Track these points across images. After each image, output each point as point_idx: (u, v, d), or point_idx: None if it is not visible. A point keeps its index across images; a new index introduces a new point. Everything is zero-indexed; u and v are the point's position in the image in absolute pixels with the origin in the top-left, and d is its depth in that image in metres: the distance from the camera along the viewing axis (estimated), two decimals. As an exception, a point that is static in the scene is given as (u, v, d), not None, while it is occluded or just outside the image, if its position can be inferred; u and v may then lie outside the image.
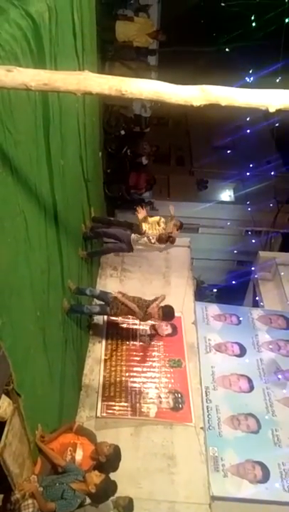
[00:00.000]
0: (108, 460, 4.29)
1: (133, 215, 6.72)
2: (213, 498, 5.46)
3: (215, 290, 13.84)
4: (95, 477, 3.89)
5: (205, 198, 14.19)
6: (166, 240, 6.42)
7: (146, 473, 5.53)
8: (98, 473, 4.00)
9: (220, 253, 14.05)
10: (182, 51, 10.47)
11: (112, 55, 8.48)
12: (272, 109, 2.09)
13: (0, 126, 2.73)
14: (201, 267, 11.82)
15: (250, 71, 9.60)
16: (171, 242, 6.59)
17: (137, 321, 6.89)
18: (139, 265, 8.11)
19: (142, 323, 6.75)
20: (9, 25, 2.88)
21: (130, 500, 4.67)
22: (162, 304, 5.63)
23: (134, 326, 7.00)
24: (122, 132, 9.50)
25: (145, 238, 6.41)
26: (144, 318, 5.75)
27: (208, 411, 6.32)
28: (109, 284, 7.66)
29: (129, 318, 6.66)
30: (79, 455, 4.40)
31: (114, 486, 4.31)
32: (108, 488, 4.12)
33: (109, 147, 9.36)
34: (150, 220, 6.47)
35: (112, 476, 4.41)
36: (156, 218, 6.53)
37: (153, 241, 6.39)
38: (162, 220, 6.50)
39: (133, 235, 6.37)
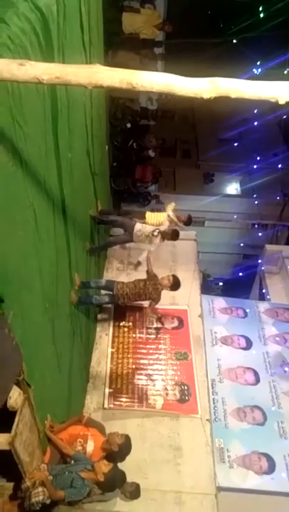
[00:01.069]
0: (120, 450, 4.37)
1: (139, 208, 6.74)
2: (219, 489, 5.52)
3: (221, 283, 13.84)
4: (104, 466, 3.96)
5: (211, 192, 14.14)
6: (169, 234, 6.32)
7: (153, 464, 5.59)
8: (107, 462, 4.07)
9: (226, 247, 14.03)
10: (189, 43, 10.39)
11: (119, 47, 8.45)
12: (282, 102, 2.09)
13: (10, 119, 2.75)
14: (207, 261, 11.83)
15: (258, 63, 9.52)
16: (172, 236, 6.39)
17: (143, 314, 6.99)
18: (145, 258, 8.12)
19: (150, 314, 6.76)
20: (18, 18, 2.89)
21: (137, 487, 4.75)
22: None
23: (141, 319, 7.05)
24: (128, 125, 9.50)
25: (148, 228, 6.31)
26: (153, 293, 5.81)
27: (214, 403, 6.36)
28: (116, 277, 7.68)
29: (137, 305, 6.69)
30: (90, 446, 4.49)
31: (122, 475, 4.39)
32: (116, 477, 4.20)
33: (115, 140, 9.36)
34: (158, 214, 6.51)
35: (120, 466, 4.49)
36: (164, 214, 6.57)
37: (156, 233, 6.24)
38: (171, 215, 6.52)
39: (138, 225, 6.34)
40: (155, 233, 6.25)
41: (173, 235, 6.36)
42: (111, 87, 2.09)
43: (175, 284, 5.92)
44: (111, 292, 5.97)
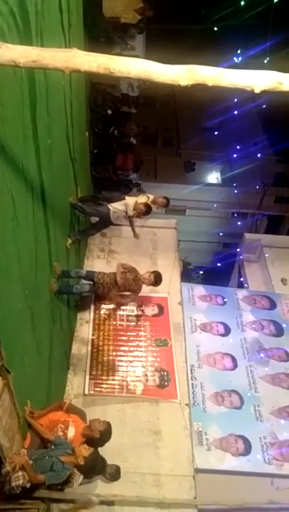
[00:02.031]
0: (101, 436, 4.44)
1: (120, 195, 6.74)
2: (197, 471, 5.67)
3: (201, 272, 14.01)
4: (84, 450, 4.02)
5: (192, 180, 14.21)
6: (143, 210, 6.35)
7: (133, 447, 5.68)
8: (87, 446, 4.13)
9: (206, 235, 14.18)
10: (170, 29, 10.29)
11: (99, 32, 8.32)
12: (257, 90, 2.12)
13: (-14, 102, 2.70)
14: (187, 249, 11.93)
15: (238, 51, 9.53)
16: (144, 211, 6.41)
17: (123, 302, 7.04)
18: (126, 246, 8.14)
19: (130, 302, 6.84)
20: (-6, -2, 2.82)
21: (117, 469, 4.85)
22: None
23: (122, 307, 7.10)
24: (109, 112, 9.38)
25: (123, 207, 6.37)
26: (134, 284, 5.93)
27: (193, 388, 6.49)
28: (96, 265, 7.70)
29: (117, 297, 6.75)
30: (71, 432, 4.54)
31: (102, 461, 4.47)
32: (96, 461, 4.27)
33: (95, 127, 9.24)
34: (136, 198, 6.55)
35: (101, 450, 4.56)
36: (144, 198, 6.57)
37: (130, 211, 6.32)
38: (149, 198, 6.55)
39: (111, 207, 6.38)
40: (129, 213, 6.38)
41: (146, 210, 6.37)
42: (89, 72, 2.08)
43: (156, 281, 6.03)
44: (91, 282, 6.00)
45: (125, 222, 6.84)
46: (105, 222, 6.59)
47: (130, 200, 6.44)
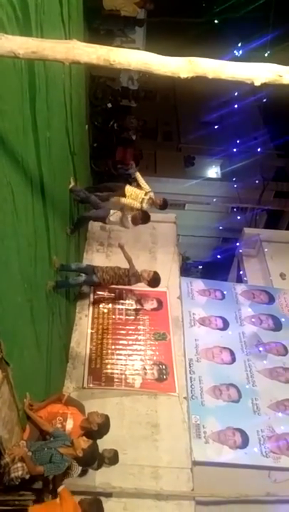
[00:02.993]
0: (99, 428, 4.47)
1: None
2: (195, 463, 5.72)
3: (200, 266, 14.02)
4: (83, 442, 4.04)
5: (192, 175, 14.18)
6: (139, 219, 6.15)
7: (132, 440, 5.74)
8: (86, 438, 4.16)
9: (206, 230, 14.17)
10: (171, 22, 10.22)
11: (99, 24, 8.26)
12: (257, 83, 2.12)
13: (-15, 94, 2.69)
14: (186, 244, 11.95)
15: (239, 44, 9.47)
16: (143, 220, 6.16)
17: (122, 296, 7.07)
18: (126, 240, 8.13)
19: (128, 297, 6.89)
20: (-6, -11, 2.80)
21: (115, 453, 4.89)
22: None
23: (120, 300, 7.12)
24: (109, 105, 9.34)
25: (118, 216, 6.19)
26: (132, 281, 5.92)
27: (191, 381, 6.53)
28: (96, 258, 7.71)
29: (116, 289, 6.76)
30: (69, 424, 4.56)
31: (100, 455, 4.50)
32: (95, 454, 4.30)
33: (95, 120, 9.20)
34: (136, 190, 6.41)
35: (99, 443, 4.59)
36: (142, 193, 6.46)
37: (128, 217, 6.14)
38: (149, 195, 6.44)
39: (111, 211, 6.21)
40: (124, 220, 6.20)
41: (143, 219, 6.18)
42: (88, 63, 2.07)
43: (154, 281, 6.02)
44: (93, 274, 6.04)
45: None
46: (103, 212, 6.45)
47: (127, 223, 6.19)
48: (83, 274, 6.10)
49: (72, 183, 6.25)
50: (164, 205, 6.46)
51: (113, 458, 4.89)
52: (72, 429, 4.54)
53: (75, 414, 4.69)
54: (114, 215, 6.22)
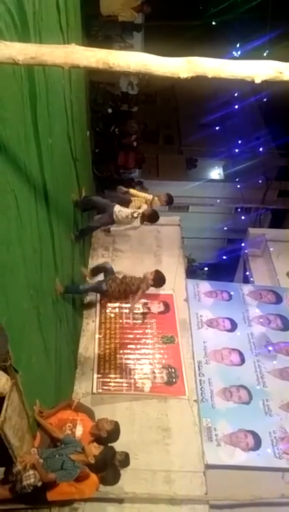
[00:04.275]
0: (109, 435, 4.44)
1: (122, 195, 6.68)
2: (207, 467, 5.67)
3: (206, 268, 13.98)
4: (94, 448, 4.03)
5: (194, 177, 14.18)
6: (148, 216, 6.10)
7: (143, 445, 5.70)
8: (97, 444, 4.14)
9: (210, 231, 14.14)
10: (168, 25, 10.26)
11: (97, 31, 8.30)
12: (258, 80, 2.10)
13: (-13, 103, 2.70)
14: (191, 246, 11.92)
15: (238, 45, 9.48)
16: (150, 218, 6.13)
17: (129, 300, 7.02)
18: (130, 244, 8.14)
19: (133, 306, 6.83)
20: (-8, -2, 2.82)
21: (126, 455, 4.85)
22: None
23: (127, 305, 7.09)
24: (110, 110, 9.38)
25: (127, 210, 6.14)
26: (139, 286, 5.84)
27: (201, 384, 6.48)
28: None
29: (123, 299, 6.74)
30: (79, 431, 4.55)
31: (112, 451, 4.46)
32: (107, 458, 4.27)
33: (96, 126, 9.24)
34: (142, 195, 6.46)
35: (110, 448, 4.56)
36: (149, 197, 6.50)
37: (135, 214, 6.04)
38: (154, 199, 6.47)
39: (117, 206, 6.16)
40: (135, 214, 6.09)
41: (151, 217, 6.13)
42: (88, 67, 2.07)
43: (159, 280, 5.92)
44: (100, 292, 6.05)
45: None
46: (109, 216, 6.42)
47: (135, 221, 6.10)
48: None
49: (75, 198, 6.31)
50: (169, 200, 6.48)
51: (124, 460, 4.85)
52: (81, 436, 4.53)
53: (85, 421, 4.68)
54: (124, 211, 6.11)
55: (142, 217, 6.08)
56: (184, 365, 6.58)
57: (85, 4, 7.10)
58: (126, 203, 6.33)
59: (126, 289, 5.89)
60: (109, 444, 4.49)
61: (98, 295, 7.03)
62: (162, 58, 2.07)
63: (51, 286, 4.96)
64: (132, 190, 6.60)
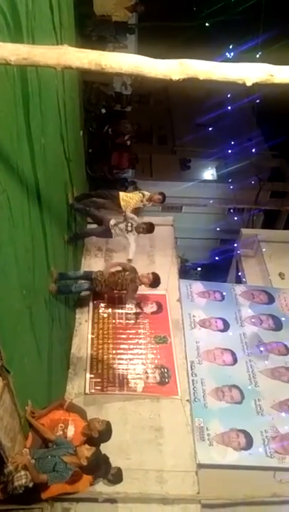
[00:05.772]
0: (100, 435, 4.44)
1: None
2: (200, 466, 5.69)
3: (199, 268, 14.00)
4: (86, 450, 4.02)
5: (188, 177, 14.20)
6: (144, 229, 6.27)
7: (135, 444, 5.70)
8: (88, 446, 4.13)
9: (203, 232, 14.16)
10: (162, 26, 10.28)
11: (91, 31, 8.29)
12: (249, 83, 2.12)
13: (-21, 102, 2.69)
14: (184, 246, 11.93)
15: (231, 46, 9.53)
16: (147, 230, 6.30)
17: (121, 301, 7.05)
18: (124, 245, 8.12)
19: (128, 301, 6.89)
20: (-16, -2, 2.81)
21: (119, 470, 4.85)
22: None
23: (120, 305, 7.10)
24: (103, 110, 9.38)
25: (121, 225, 6.28)
26: (130, 284, 5.99)
27: (193, 384, 6.51)
28: (94, 264, 7.71)
29: (116, 294, 6.76)
30: (71, 431, 4.54)
31: (105, 457, 4.48)
32: (99, 460, 4.27)
33: (90, 126, 9.23)
34: (130, 195, 6.52)
35: (103, 448, 4.57)
36: (138, 196, 6.54)
37: (129, 228, 6.20)
38: (145, 196, 6.52)
39: (112, 220, 6.34)
40: (129, 228, 6.25)
41: (148, 229, 6.32)
42: (80, 68, 2.08)
43: (155, 282, 6.08)
44: (89, 280, 6.05)
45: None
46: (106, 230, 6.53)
47: (130, 235, 6.27)
48: (84, 281, 6.13)
49: (71, 200, 6.33)
50: (163, 199, 6.56)
51: (117, 475, 4.86)
52: (73, 436, 4.52)
53: (76, 421, 4.67)
54: (118, 227, 6.28)
55: (137, 230, 6.23)
56: (177, 365, 6.60)
57: (79, 4, 7.10)
58: (117, 206, 6.39)
59: (117, 282, 6.05)
60: (103, 444, 4.49)
61: (91, 294, 7.03)
62: (154, 60, 2.08)
63: (44, 286, 4.95)
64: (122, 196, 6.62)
